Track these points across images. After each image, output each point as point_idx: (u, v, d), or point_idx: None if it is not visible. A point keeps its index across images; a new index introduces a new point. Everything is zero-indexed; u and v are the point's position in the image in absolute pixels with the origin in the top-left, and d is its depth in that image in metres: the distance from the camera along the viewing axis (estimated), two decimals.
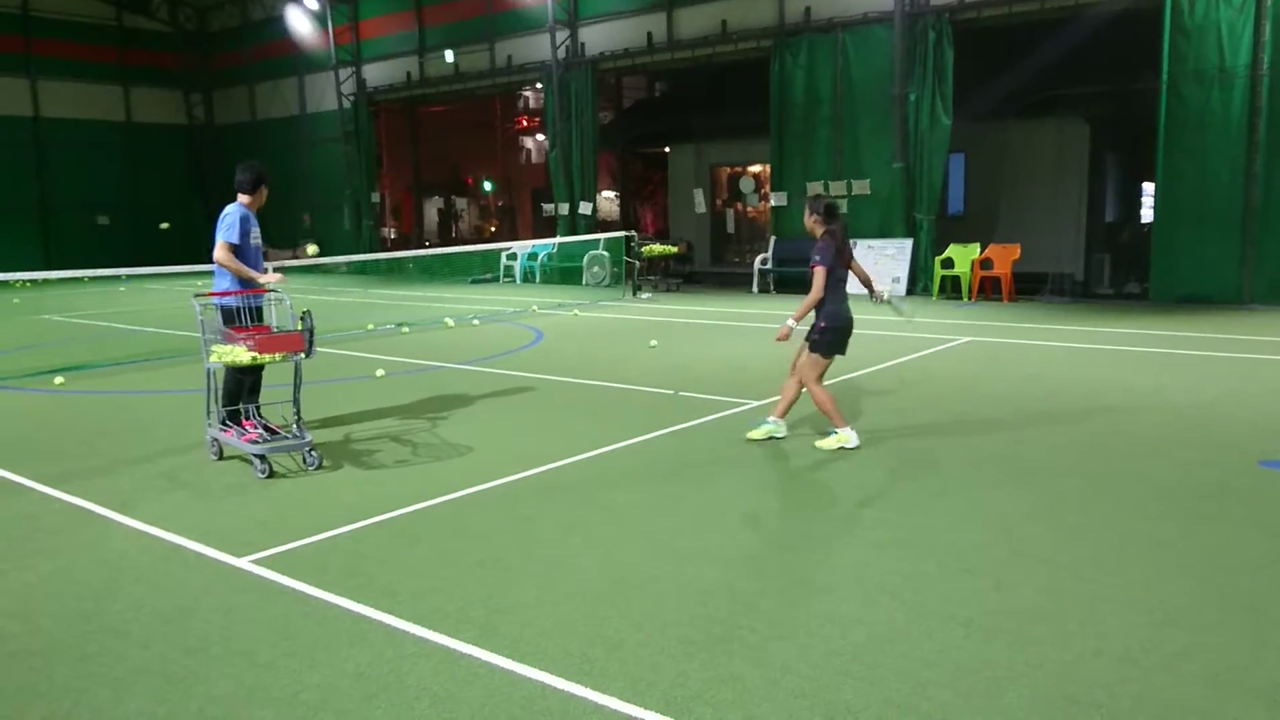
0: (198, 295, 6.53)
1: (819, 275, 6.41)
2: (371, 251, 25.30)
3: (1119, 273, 17.70)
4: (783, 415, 6.82)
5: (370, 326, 14.25)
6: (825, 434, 6.68)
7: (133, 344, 12.81)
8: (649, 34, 20.99)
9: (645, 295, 18.58)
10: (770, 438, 6.78)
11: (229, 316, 6.43)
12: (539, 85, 24.33)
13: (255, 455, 6.15)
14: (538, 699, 3.29)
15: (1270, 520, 4.98)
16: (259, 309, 6.58)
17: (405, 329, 13.92)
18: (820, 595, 4.13)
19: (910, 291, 17.19)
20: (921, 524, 5.03)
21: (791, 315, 6.43)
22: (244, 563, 4.62)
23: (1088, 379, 8.94)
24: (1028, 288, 16.55)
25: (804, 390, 6.64)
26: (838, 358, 6.67)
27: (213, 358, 6.19)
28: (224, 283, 6.66)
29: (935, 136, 17.06)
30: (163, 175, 31.03)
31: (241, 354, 5.98)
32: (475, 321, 14.73)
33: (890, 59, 17.26)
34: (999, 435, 6.91)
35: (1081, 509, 5.26)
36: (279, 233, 27.64)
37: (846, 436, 6.50)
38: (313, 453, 6.30)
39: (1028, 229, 18.04)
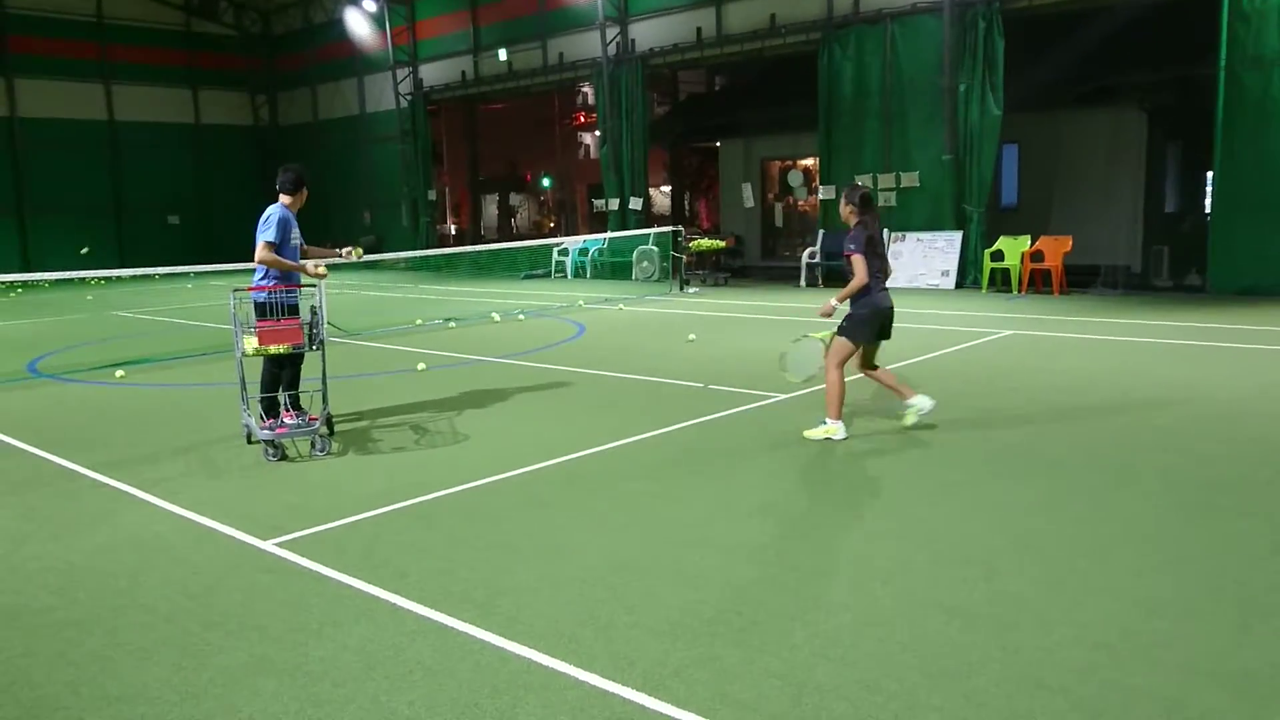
0: (236, 290, 6.86)
1: (859, 262, 6.50)
2: (429, 248, 25.82)
3: (1179, 264, 17.28)
4: (907, 395, 6.85)
5: (418, 321, 14.60)
6: (817, 423, 6.76)
7: (193, 339, 13.33)
8: (698, 29, 21.07)
9: (692, 290, 18.68)
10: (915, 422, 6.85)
11: (261, 310, 6.73)
12: (590, 82, 24.56)
13: (265, 441, 6.53)
14: (522, 674, 3.46)
15: None
16: (293, 305, 6.87)
17: (452, 324, 14.24)
18: (811, 581, 4.23)
19: (960, 284, 17.03)
20: (926, 515, 5.09)
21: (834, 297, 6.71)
22: (269, 545, 4.88)
23: (1123, 371, 8.82)
24: (1081, 280, 16.26)
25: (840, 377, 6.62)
26: (884, 345, 6.90)
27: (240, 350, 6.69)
28: (261, 278, 6.96)
29: (986, 127, 16.84)
30: (230, 175, 31.97)
31: (249, 344, 6.45)
32: (521, 316, 14.99)
33: (939, 49, 17.09)
34: (1020, 428, 6.90)
35: (1088, 501, 5.27)
36: (342, 229, 28.36)
37: (834, 429, 6.61)
38: (321, 439, 6.64)
39: (1082, 220, 17.73)
